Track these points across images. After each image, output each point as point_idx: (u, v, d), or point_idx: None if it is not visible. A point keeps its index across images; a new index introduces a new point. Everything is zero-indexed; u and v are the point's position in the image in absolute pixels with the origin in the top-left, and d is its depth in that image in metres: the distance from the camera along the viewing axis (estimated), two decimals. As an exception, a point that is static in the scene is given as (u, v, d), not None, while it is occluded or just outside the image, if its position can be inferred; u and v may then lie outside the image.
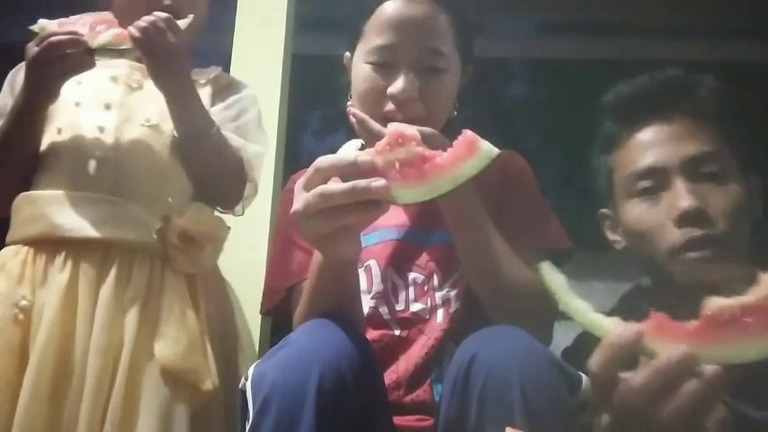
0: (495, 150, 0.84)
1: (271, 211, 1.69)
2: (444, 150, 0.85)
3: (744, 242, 1.14)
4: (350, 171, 0.84)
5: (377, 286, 1.23)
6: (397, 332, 1.20)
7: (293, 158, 1.85)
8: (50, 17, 1.34)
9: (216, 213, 1.42)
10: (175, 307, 1.26)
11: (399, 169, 0.84)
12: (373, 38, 1.26)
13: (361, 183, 0.82)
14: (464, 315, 1.20)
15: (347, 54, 1.34)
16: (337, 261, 0.97)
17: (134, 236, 1.29)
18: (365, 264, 1.25)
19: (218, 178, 1.39)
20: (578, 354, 1.12)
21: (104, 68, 1.39)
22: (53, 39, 1.25)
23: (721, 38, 2.68)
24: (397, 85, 1.22)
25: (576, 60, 2.76)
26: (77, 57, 1.27)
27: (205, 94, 1.44)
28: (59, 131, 1.35)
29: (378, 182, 0.82)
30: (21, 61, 1.36)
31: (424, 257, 1.25)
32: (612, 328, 0.75)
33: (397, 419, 1.11)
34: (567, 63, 2.78)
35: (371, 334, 1.19)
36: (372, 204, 0.83)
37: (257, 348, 1.58)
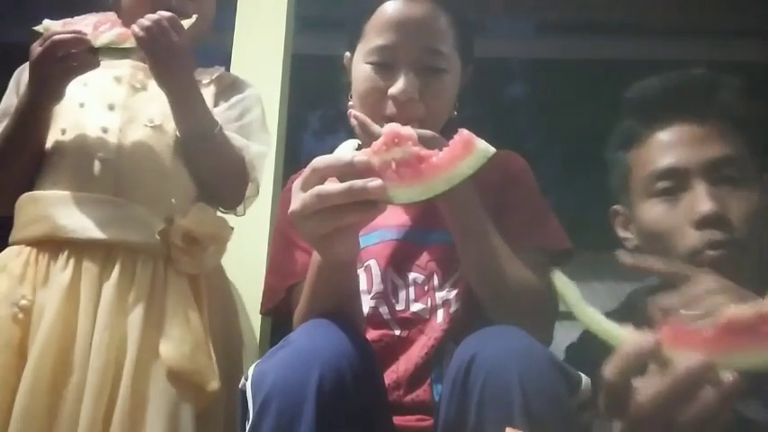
0: (492, 149, 0.84)
1: (271, 211, 1.69)
2: (441, 150, 0.85)
3: (761, 247, 1.13)
4: (346, 171, 0.84)
5: (377, 286, 1.23)
6: (397, 332, 1.20)
7: (293, 158, 1.85)
8: (54, 17, 1.34)
9: (218, 214, 1.42)
10: (179, 308, 1.26)
11: (396, 169, 0.84)
12: (373, 38, 1.26)
13: (358, 183, 0.82)
14: (464, 315, 1.19)
15: (347, 54, 1.34)
16: (336, 261, 0.97)
17: (137, 237, 1.29)
18: (365, 264, 1.25)
19: (220, 178, 1.39)
20: (582, 351, 1.12)
21: (108, 69, 1.39)
22: (56, 38, 1.25)
23: (722, 38, 2.68)
24: (398, 85, 1.22)
25: (575, 60, 2.76)
26: (81, 56, 1.27)
27: (208, 93, 1.45)
28: (63, 132, 1.35)
29: (374, 182, 0.82)
30: (23, 62, 1.36)
31: (424, 257, 1.25)
32: (627, 337, 0.76)
33: (397, 419, 1.11)
34: (567, 63, 2.78)
35: (371, 334, 1.19)
36: (369, 204, 0.83)
37: (258, 348, 1.58)
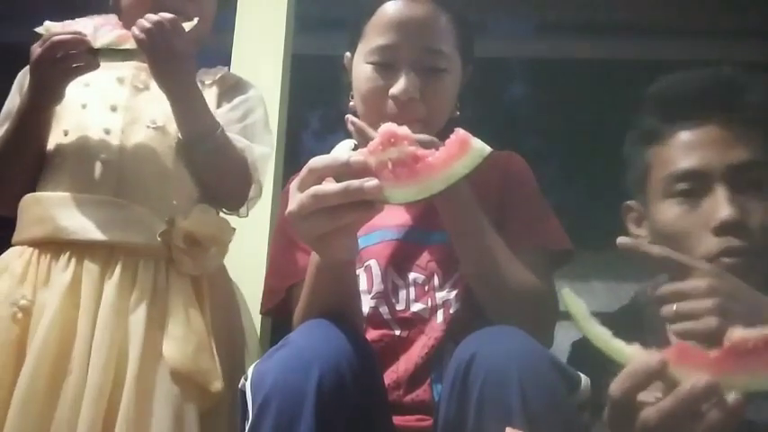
0: (488, 149, 0.84)
1: (271, 211, 1.69)
2: (437, 150, 0.85)
3: None
4: (343, 171, 0.84)
5: (377, 286, 1.23)
6: (397, 332, 1.20)
7: (293, 158, 1.85)
8: (54, 17, 1.34)
9: (221, 215, 1.42)
10: (181, 308, 1.26)
11: (392, 169, 0.84)
12: (374, 38, 1.26)
13: (354, 183, 0.82)
14: (464, 315, 1.19)
15: (347, 54, 1.34)
16: (334, 261, 0.98)
17: (138, 238, 1.29)
18: (365, 263, 1.25)
19: (223, 180, 1.39)
20: (587, 347, 1.11)
21: (110, 70, 1.38)
22: (56, 38, 1.25)
23: (722, 38, 2.68)
24: (399, 85, 1.22)
25: (575, 60, 2.76)
26: (81, 56, 1.27)
27: (211, 94, 1.44)
28: (66, 133, 1.36)
29: (370, 182, 0.82)
30: (22, 62, 1.36)
31: (424, 257, 1.25)
32: (635, 355, 0.77)
33: (397, 419, 1.11)
34: (567, 63, 2.78)
35: (372, 334, 1.19)
36: (366, 204, 0.83)
37: (258, 348, 1.58)
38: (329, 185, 0.83)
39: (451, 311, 1.20)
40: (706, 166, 1.13)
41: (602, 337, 0.80)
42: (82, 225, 1.27)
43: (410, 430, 1.12)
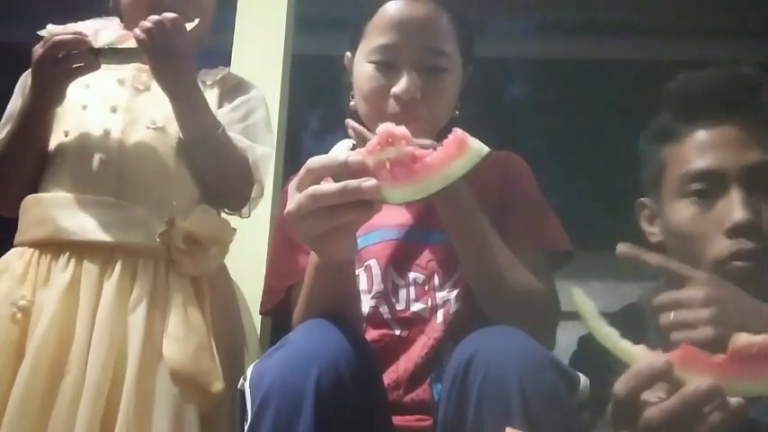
0: (486, 149, 0.84)
1: (271, 211, 1.69)
2: (435, 149, 0.85)
3: None
4: (341, 171, 0.84)
5: (377, 286, 1.23)
6: (397, 332, 1.20)
7: (293, 158, 1.85)
8: (55, 16, 1.34)
9: (222, 215, 1.42)
10: (181, 309, 1.26)
11: (390, 169, 0.84)
12: (375, 37, 1.26)
13: (352, 183, 0.82)
14: (464, 315, 1.19)
15: (348, 54, 1.34)
16: (333, 261, 0.98)
17: (138, 238, 1.29)
18: (365, 263, 1.25)
19: (224, 180, 1.39)
20: (594, 343, 1.11)
21: (111, 71, 1.39)
22: (57, 38, 1.26)
23: (722, 38, 2.68)
24: (400, 84, 1.23)
25: (575, 60, 2.76)
26: (82, 57, 1.27)
27: (213, 94, 1.45)
28: (66, 134, 1.36)
29: (368, 182, 0.82)
30: (23, 62, 1.36)
31: (424, 257, 1.25)
32: (641, 356, 0.79)
33: (397, 419, 1.11)
34: (567, 63, 2.78)
35: (372, 334, 1.19)
36: (364, 204, 0.84)
37: (258, 348, 1.58)
38: (327, 185, 0.83)
39: (451, 311, 1.20)
40: (721, 166, 1.12)
41: (610, 336, 0.81)
42: (82, 226, 1.28)
43: (410, 430, 1.12)
